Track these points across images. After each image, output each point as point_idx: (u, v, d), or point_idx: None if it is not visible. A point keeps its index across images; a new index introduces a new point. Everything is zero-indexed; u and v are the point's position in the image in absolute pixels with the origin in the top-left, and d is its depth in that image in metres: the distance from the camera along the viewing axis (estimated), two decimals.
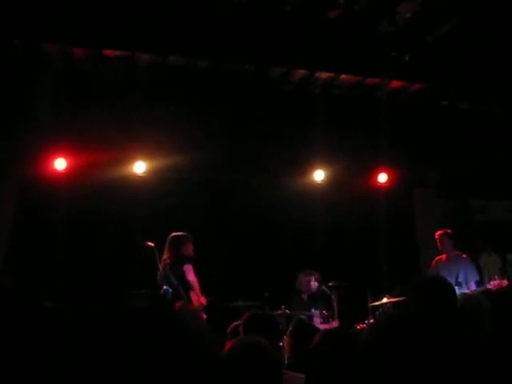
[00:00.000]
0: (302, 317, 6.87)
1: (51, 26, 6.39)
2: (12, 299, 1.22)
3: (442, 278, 4.88)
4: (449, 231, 7.48)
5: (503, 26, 7.07)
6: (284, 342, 4.86)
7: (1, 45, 6.80)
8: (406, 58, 7.36)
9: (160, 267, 6.58)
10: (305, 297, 7.54)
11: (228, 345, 2.37)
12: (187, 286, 6.55)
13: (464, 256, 7.38)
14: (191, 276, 6.59)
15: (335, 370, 3.16)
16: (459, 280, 7.06)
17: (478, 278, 7.25)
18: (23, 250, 7.45)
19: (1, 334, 1.14)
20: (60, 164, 7.59)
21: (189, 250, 6.77)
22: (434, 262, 7.55)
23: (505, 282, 6.74)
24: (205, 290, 7.19)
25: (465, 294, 5.74)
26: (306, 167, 8.74)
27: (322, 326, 6.97)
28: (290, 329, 4.74)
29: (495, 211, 10.02)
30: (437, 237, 7.49)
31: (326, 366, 3.17)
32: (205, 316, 6.16)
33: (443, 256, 7.47)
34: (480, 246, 9.36)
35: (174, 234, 6.79)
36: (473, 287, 7.03)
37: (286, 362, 4.52)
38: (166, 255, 6.70)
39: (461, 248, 7.46)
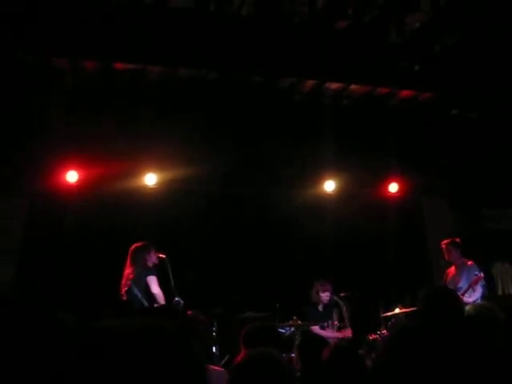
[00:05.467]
0: (309, 328, 6.86)
1: (62, 40, 6.47)
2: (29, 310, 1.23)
3: (447, 288, 4.86)
4: (456, 240, 7.35)
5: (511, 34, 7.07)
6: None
7: (12, 59, 6.88)
8: (416, 68, 7.37)
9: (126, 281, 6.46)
10: (319, 308, 7.51)
11: (240, 355, 2.36)
12: (151, 299, 6.39)
13: (469, 263, 7.23)
14: (155, 288, 6.41)
15: (345, 382, 3.15)
16: (459, 286, 6.90)
17: (483, 282, 7.03)
18: (35, 262, 7.48)
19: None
20: (72, 176, 7.63)
21: (152, 258, 6.62)
22: (445, 275, 7.46)
23: None
24: (216, 301, 7.18)
25: (478, 303, 5.65)
26: (316, 178, 8.73)
27: (335, 335, 6.97)
28: (297, 341, 4.71)
29: (508, 220, 9.93)
30: (443, 246, 7.36)
31: (337, 379, 3.16)
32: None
33: (452, 267, 7.37)
34: (493, 255, 9.28)
35: (135, 245, 6.64)
36: (478, 293, 6.87)
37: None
38: (129, 269, 6.52)
39: (473, 257, 7.36)
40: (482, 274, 6.88)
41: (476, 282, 6.78)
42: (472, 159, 9.01)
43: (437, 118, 8.68)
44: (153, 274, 6.49)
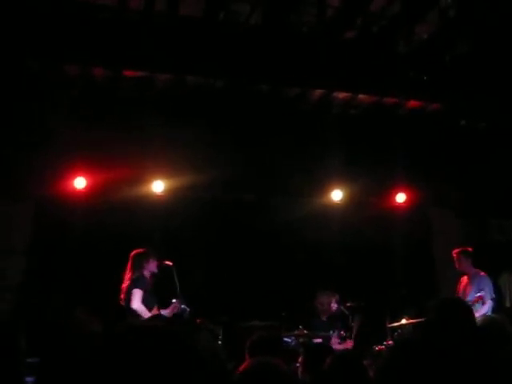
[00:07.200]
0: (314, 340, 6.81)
1: (72, 47, 6.51)
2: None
3: (459, 300, 4.81)
4: (468, 249, 7.26)
5: None
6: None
7: (20, 65, 6.93)
8: (424, 78, 7.35)
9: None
10: (324, 318, 7.47)
11: (243, 365, 2.34)
12: (131, 314, 6.12)
13: (482, 274, 7.15)
14: (135, 303, 6.13)
15: None
16: (468, 298, 6.78)
17: (493, 296, 6.97)
18: (41, 266, 7.50)
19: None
20: (79, 183, 7.65)
21: (150, 267, 6.50)
22: (458, 284, 7.35)
23: None
24: (221, 310, 7.17)
25: (487, 315, 5.58)
26: (324, 187, 8.71)
27: (338, 347, 6.92)
28: (302, 350, 4.68)
29: None
30: (454, 255, 7.25)
31: None
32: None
33: (466, 277, 7.30)
34: (500, 266, 9.20)
35: (135, 251, 6.52)
36: (487, 306, 6.81)
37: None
38: (128, 274, 6.41)
39: (481, 268, 7.29)
40: (483, 294, 6.78)
41: (474, 302, 6.65)
42: (480, 169, 8.97)
43: (445, 128, 8.66)
44: (139, 287, 6.25)
